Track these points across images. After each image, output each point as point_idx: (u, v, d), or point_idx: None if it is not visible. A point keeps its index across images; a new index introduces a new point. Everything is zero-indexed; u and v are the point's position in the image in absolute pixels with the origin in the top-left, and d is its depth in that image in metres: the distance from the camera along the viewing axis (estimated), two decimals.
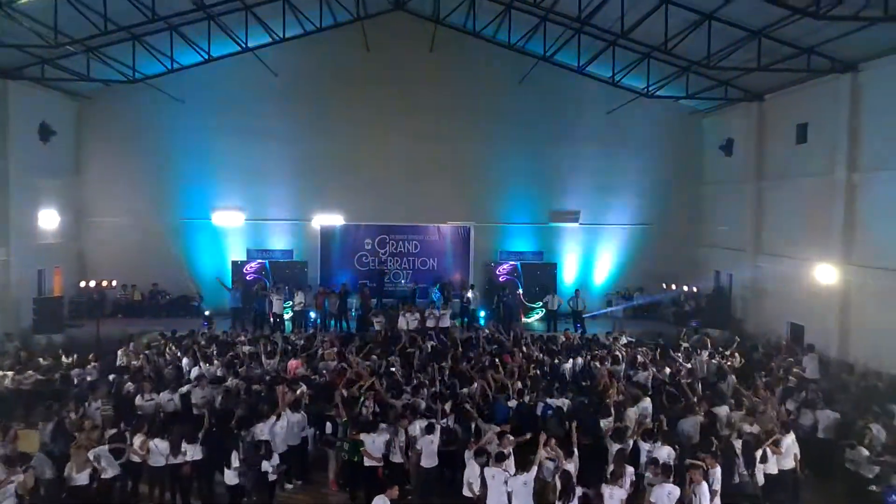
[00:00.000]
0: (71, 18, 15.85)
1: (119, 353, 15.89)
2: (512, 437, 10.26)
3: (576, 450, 9.77)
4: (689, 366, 15.10)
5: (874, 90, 16.66)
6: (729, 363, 15.64)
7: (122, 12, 16.43)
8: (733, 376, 14.45)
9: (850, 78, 17.18)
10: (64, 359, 15.88)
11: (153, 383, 13.09)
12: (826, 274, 17.52)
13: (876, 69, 16.48)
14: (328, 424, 11.55)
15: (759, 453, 10.04)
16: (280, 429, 11.07)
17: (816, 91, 18.66)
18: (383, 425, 10.87)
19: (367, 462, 10.61)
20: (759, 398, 12.45)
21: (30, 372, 14.73)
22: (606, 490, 8.98)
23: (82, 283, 22.57)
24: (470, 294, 22.08)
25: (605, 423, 11.41)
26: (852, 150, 17.24)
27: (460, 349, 16.21)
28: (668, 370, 14.80)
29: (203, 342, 16.51)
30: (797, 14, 14.59)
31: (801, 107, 19.60)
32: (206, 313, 21.33)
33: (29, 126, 20.60)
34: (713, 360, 15.88)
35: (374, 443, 10.60)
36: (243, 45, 20.70)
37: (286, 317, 21.31)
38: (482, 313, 22.28)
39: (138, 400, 12.46)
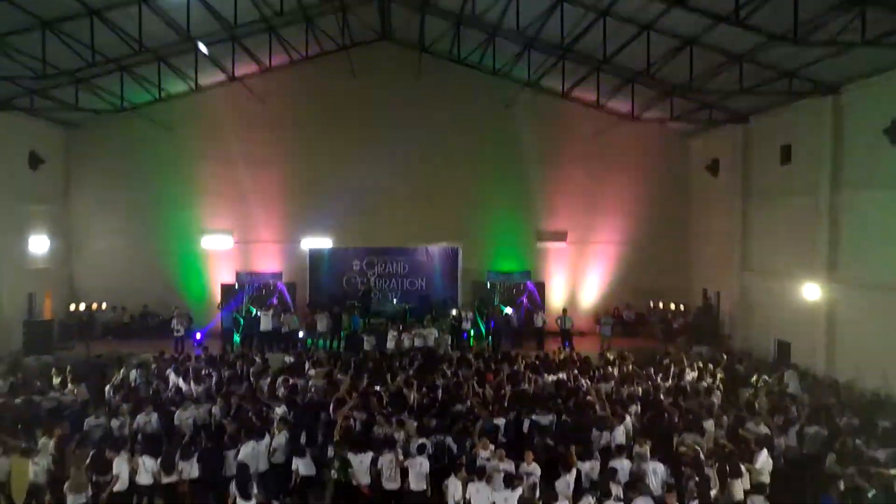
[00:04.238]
0: (58, 51, 16.14)
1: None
2: (503, 451, 10.42)
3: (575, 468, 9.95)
4: (668, 384, 15.14)
5: (855, 111, 16.87)
6: (715, 381, 15.67)
7: (110, 44, 16.73)
8: (719, 393, 14.54)
9: (831, 100, 17.41)
10: (55, 380, 15.88)
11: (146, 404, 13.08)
12: (811, 291, 17.66)
13: (856, 91, 16.69)
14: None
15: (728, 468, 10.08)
16: (265, 447, 11.10)
17: (800, 113, 18.88)
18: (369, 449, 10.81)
19: (356, 482, 10.54)
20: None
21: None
22: None
23: (72, 307, 22.71)
24: (454, 312, 22.18)
25: (603, 437, 11.60)
26: (836, 170, 17.44)
27: (449, 367, 16.26)
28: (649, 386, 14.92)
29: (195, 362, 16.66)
30: (775, 40, 14.89)
31: (785, 128, 19.85)
32: (197, 336, 21.40)
33: (18, 154, 20.92)
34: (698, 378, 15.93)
35: (361, 463, 10.53)
36: (231, 75, 20.98)
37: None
38: (472, 332, 22.34)
39: (113, 422, 12.43)
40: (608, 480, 9.57)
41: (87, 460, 10.54)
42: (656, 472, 10.19)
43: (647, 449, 10.86)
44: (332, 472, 10.77)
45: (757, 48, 15.97)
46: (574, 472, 10.02)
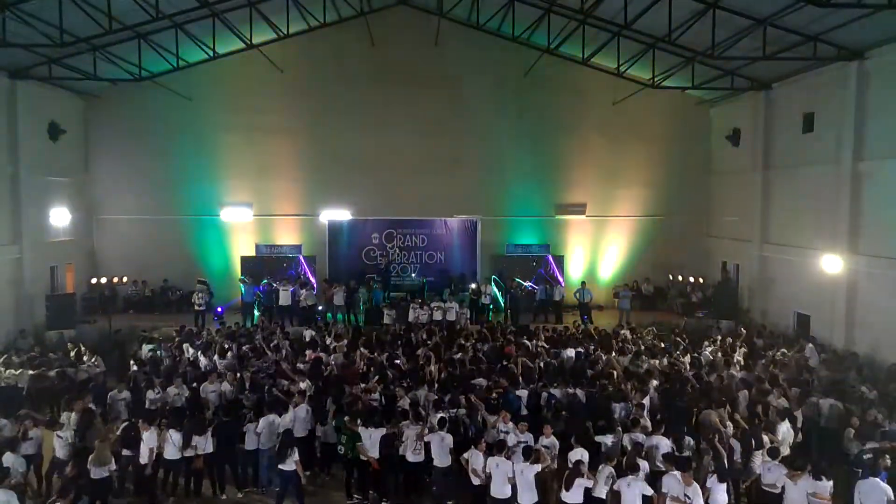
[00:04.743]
0: (76, 18, 16.01)
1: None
2: (526, 424, 10.53)
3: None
4: (687, 359, 15.12)
5: (881, 77, 16.43)
6: (736, 359, 15.58)
7: (127, 11, 16.57)
8: (738, 367, 14.50)
9: (856, 66, 16.98)
10: (71, 353, 16.17)
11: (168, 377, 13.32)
12: (832, 264, 17.41)
13: (883, 56, 16.24)
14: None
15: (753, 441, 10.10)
16: (289, 420, 11.21)
17: (823, 79, 18.46)
18: (383, 421, 10.89)
19: (363, 457, 10.60)
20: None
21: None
22: (624, 482, 9.05)
23: (94, 280, 23.00)
24: (473, 286, 22.20)
25: (622, 410, 11.66)
26: (859, 138, 17.06)
27: (468, 341, 16.33)
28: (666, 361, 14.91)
29: (216, 336, 16.91)
30: (801, 2, 14.50)
31: (808, 95, 19.40)
32: (218, 310, 21.62)
33: (38, 125, 20.89)
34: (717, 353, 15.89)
35: (370, 437, 10.55)
36: (248, 43, 20.86)
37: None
38: (491, 307, 22.37)
39: (150, 394, 12.70)
40: (635, 455, 9.57)
41: (118, 433, 10.76)
42: (658, 447, 10.18)
43: (647, 422, 10.88)
44: (339, 447, 10.85)
45: (781, 10, 15.56)
46: (592, 445, 10.09)
